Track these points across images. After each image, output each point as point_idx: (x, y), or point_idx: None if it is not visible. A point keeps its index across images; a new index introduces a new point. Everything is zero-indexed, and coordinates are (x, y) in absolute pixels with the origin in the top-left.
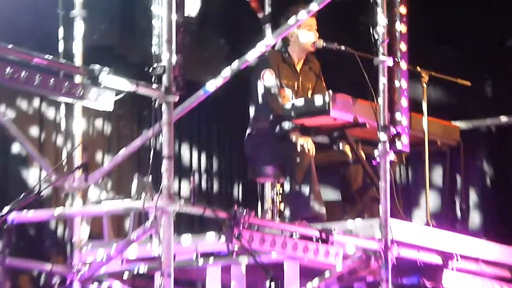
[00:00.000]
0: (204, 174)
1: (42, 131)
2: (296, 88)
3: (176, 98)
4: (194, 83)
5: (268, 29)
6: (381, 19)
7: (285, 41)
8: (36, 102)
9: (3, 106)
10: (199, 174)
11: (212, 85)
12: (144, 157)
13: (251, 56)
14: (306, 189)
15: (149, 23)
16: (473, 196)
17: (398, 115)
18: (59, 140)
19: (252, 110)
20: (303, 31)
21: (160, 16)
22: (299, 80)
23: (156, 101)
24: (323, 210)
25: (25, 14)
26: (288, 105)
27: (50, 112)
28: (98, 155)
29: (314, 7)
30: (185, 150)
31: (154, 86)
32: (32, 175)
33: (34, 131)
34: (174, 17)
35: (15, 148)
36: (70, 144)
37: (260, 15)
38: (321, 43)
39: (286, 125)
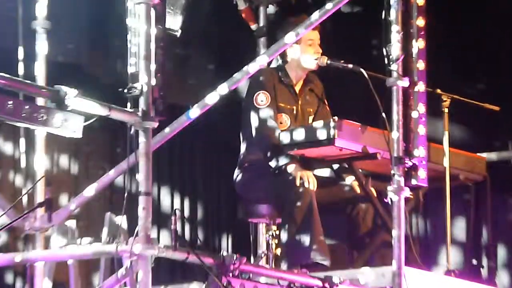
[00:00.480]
0: (188, 216)
1: None
2: (295, 113)
3: (155, 125)
4: (176, 107)
5: (262, 44)
6: (395, 34)
7: (283, 58)
8: None
9: None
10: (182, 219)
11: (196, 110)
12: (118, 194)
13: (242, 76)
14: (306, 232)
15: (124, 38)
16: (502, 245)
17: (414, 146)
18: (18, 180)
19: (243, 141)
20: (304, 47)
21: (136, 30)
22: (299, 104)
23: (132, 128)
24: (326, 256)
25: None
26: (285, 134)
27: (7, 147)
28: (64, 197)
29: (316, 18)
30: (165, 189)
31: (130, 110)
32: None
33: None
34: (153, 31)
35: None
36: (31, 182)
37: (253, 27)
38: (324, 61)
39: (283, 156)
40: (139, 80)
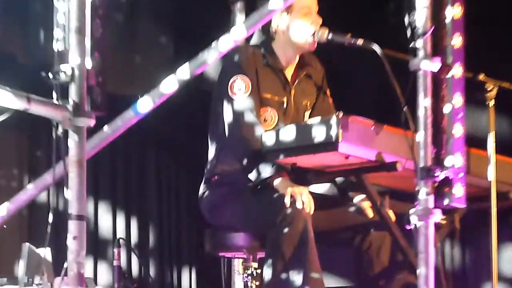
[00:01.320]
0: (136, 249)
1: None
2: (285, 107)
3: (91, 122)
4: (121, 98)
5: (238, 10)
6: (421, 8)
7: (268, 32)
8: None
9: None
10: (128, 249)
11: (148, 102)
12: (39, 217)
13: (211, 55)
14: (298, 269)
15: (49, 3)
16: None
17: (448, 152)
18: None
19: (212, 145)
20: (297, 16)
21: None
22: (290, 94)
23: (59, 127)
24: None
25: None
26: (270, 135)
27: None
28: None
29: None
30: (104, 210)
31: (57, 102)
32: None
33: None
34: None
35: None
36: None
37: None
38: (325, 35)
39: (268, 166)
40: (69, 61)
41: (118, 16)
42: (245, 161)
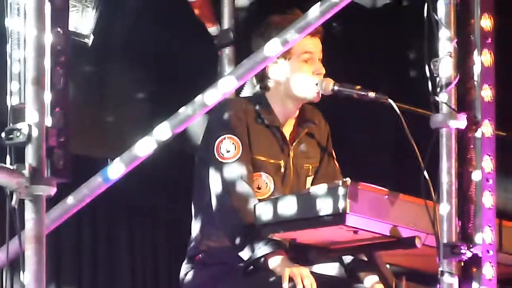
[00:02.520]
0: None
1: None
2: (282, 171)
3: (52, 191)
4: (87, 162)
5: (227, 58)
6: (446, 42)
7: (262, 82)
8: None
9: None
10: None
11: (119, 167)
12: None
13: (195, 110)
14: None
15: (3, 49)
16: None
17: (476, 225)
18: None
19: (196, 216)
20: (297, 64)
21: (21, 37)
22: (289, 156)
23: (14, 196)
24: None
25: None
26: (265, 206)
27: None
28: None
29: (317, 16)
30: None
31: (11, 167)
32: None
33: None
34: (48, 37)
35: None
36: None
37: (212, 31)
38: (330, 87)
39: (262, 243)
40: (26, 119)
41: (85, 64)
42: (235, 237)
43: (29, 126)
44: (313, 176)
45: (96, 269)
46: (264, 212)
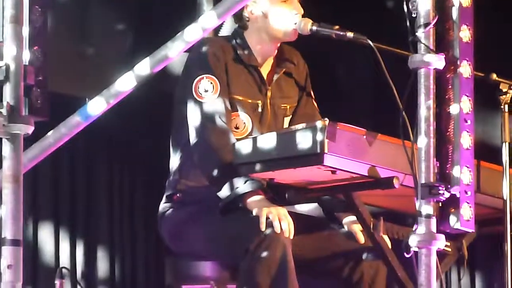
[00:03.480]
0: (82, 280)
1: None
2: (260, 111)
3: (30, 130)
4: (66, 100)
5: None
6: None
7: (241, 21)
8: None
9: None
10: (72, 280)
11: (99, 104)
12: None
13: (174, 50)
14: None
15: None
16: None
17: (454, 165)
18: None
19: (174, 154)
20: (275, 4)
21: None
22: (267, 96)
23: None
24: None
25: None
26: (244, 144)
27: None
28: None
29: None
30: (45, 236)
31: None
32: None
33: None
34: None
35: None
36: None
37: None
38: (308, 26)
39: (240, 181)
40: (3, 57)
41: (65, 3)
42: (214, 176)
43: (7, 64)
44: (291, 116)
45: (74, 209)
46: (243, 151)
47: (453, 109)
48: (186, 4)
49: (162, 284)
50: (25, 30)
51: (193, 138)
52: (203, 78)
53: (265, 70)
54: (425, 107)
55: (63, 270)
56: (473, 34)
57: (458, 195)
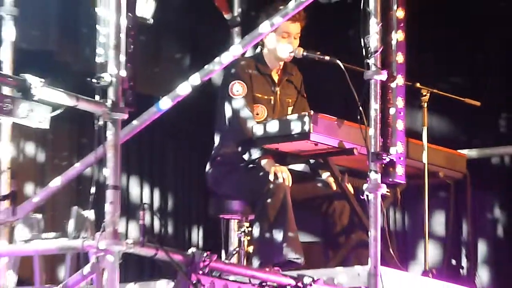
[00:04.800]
0: (157, 211)
1: None
2: (272, 103)
3: (125, 116)
4: (147, 98)
5: (236, 34)
6: (374, 25)
7: (261, 47)
8: None
9: None
10: (151, 212)
11: (167, 101)
12: (84, 187)
13: (216, 66)
14: (279, 229)
15: (94, 26)
16: (482, 243)
17: (392, 141)
18: None
19: (216, 134)
20: (279, 38)
21: (106, 20)
22: (277, 94)
23: (100, 119)
24: (300, 255)
25: None
26: (259, 126)
27: None
28: (29, 186)
29: (293, 8)
30: (134, 182)
31: (98, 100)
32: None
33: None
34: (123, 20)
35: None
36: None
37: (227, 17)
38: (300, 52)
39: (257, 150)
40: (108, 70)
41: (145, 37)
42: (240, 146)
43: (110, 75)
44: (292, 107)
45: (152, 168)
46: (259, 131)
47: (392, 105)
48: (223, 37)
49: (207, 214)
50: (122, 54)
51: (228, 123)
52: (235, 83)
53: (275, 77)
54: (374, 105)
55: (145, 205)
56: (405, 57)
57: (394, 160)
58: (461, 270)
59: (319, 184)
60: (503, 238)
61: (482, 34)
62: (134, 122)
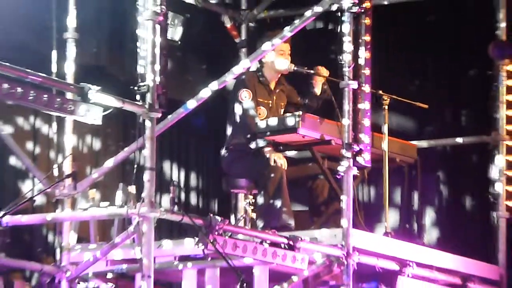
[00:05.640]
0: (183, 187)
1: (36, 145)
2: (270, 106)
3: (159, 115)
4: (176, 101)
5: (243, 53)
6: (348, 47)
7: (261, 64)
8: (31, 119)
9: (1, 122)
10: (178, 187)
11: (192, 103)
12: (128, 169)
13: (229, 77)
14: (277, 201)
15: (136, 46)
16: (429, 211)
17: (361, 134)
18: (52, 154)
19: (229, 128)
20: (277, 56)
21: (145, 39)
22: (274, 99)
23: (140, 117)
24: (292, 220)
25: (22, 34)
26: (262, 123)
27: (43, 128)
28: (87, 169)
29: (287, 33)
30: (166, 165)
31: (139, 103)
32: (27, 185)
33: (29, 145)
34: (158, 40)
35: (12, 160)
36: (61, 158)
37: (236, 40)
38: (292, 67)
39: (260, 141)
40: (146, 80)
41: (175, 54)
42: (248, 138)
43: (148, 84)
44: (284, 108)
45: (180, 154)
46: (261, 125)
47: (361, 107)
48: (233, 55)
49: (221, 189)
50: (157, 67)
51: (238, 119)
52: (243, 90)
53: (272, 87)
54: (347, 105)
55: (174, 182)
56: (371, 71)
57: (363, 148)
58: (413, 231)
59: (307, 167)
60: (444, 207)
61: (430, 52)
62: (168, 118)
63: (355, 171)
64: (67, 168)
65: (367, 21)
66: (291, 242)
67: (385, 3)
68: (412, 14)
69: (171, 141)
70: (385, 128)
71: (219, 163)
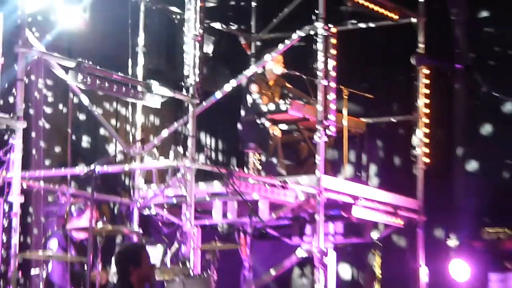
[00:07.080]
0: (213, 148)
1: (118, 121)
2: (270, 95)
3: (198, 101)
4: (208, 92)
5: (253, 61)
6: (320, 57)
7: (264, 68)
8: (114, 103)
9: (95, 105)
10: (210, 149)
11: (219, 94)
12: (177, 137)
13: (243, 77)
14: (274, 158)
15: (183, 56)
16: (372, 165)
17: (329, 115)
18: (128, 127)
19: (242, 110)
20: (274, 63)
21: (189, 52)
22: (273, 92)
23: (185, 103)
24: (283, 171)
25: (109, 48)
26: (264, 107)
27: (122, 110)
28: (150, 136)
29: (281, 47)
30: (201, 135)
31: (185, 94)
32: (111, 147)
33: (112, 121)
34: (197, 53)
35: (102, 131)
36: (134, 129)
37: (249, 53)
38: (284, 71)
39: (264, 119)
40: (190, 79)
41: (208, 62)
42: (256, 117)
43: (191, 82)
44: (279, 98)
45: (211, 128)
46: (264, 109)
47: (329, 97)
48: (246, 62)
49: (238, 149)
50: (197, 70)
51: (249, 104)
52: (252, 85)
53: (271, 83)
54: (318, 95)
55: (207, 145)
56: (336, 73)
57: (330, 124)
58: (362, 177)
59: (294, 135)
60: (383, 162)
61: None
62: (202, 104)
63: (325, 138)
64: (138, 136)
65: (333, 40)
66: (283, 184)
67: (346, 28)
68: (361, 36)
69: (206, 118)
70: (344, 111)
71: (237, 133)
